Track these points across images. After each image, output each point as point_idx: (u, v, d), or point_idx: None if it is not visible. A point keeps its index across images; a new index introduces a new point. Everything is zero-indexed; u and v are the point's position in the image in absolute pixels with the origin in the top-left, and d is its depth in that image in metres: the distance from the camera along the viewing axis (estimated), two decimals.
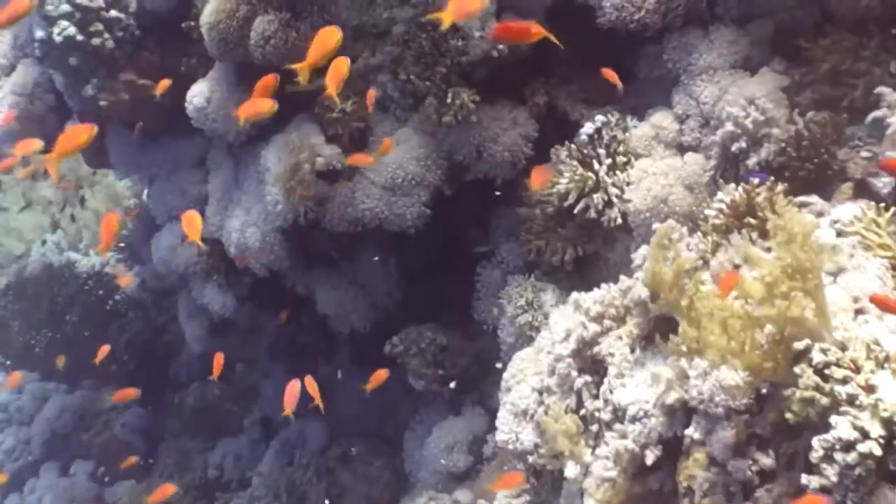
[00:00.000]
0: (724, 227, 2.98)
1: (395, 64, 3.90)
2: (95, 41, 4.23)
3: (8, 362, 6.20)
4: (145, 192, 5.16)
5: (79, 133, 3.11)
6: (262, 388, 5.58)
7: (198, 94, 4.07)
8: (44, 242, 7.42)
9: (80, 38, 4.18)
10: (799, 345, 2.24)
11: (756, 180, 2.92)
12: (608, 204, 3.56)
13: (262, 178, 4.07)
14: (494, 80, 3.82)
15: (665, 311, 2.72)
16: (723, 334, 2.25)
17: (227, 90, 4.05)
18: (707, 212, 3.07)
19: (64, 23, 4.18)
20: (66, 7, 4.18)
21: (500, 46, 3.69)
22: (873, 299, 2.31)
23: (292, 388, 3.48)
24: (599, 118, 3.66)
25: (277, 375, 5.18)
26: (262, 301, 4.56)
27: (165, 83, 4.12)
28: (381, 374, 3.89)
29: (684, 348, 2.38)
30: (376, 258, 4.25)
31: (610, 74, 3.47)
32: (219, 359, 3.99)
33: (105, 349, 4.75)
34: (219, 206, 4.38)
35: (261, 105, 3.37)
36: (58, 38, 4.18)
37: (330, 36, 2.93)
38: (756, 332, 2.24)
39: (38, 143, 3.63)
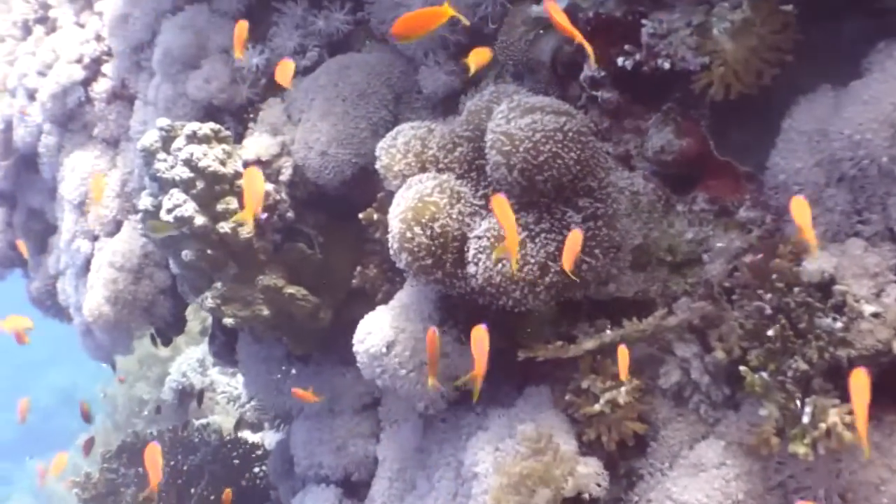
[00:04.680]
0: None
1: (708, 327, 2.59)
2: (224, 228, 3.06)
3: None
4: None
5: None
6: None
7: (375, 333, 2.81)
8: None
9: (200, 221, 3.02)
10: None
11: None
12: None
13: (464, 479, 2.82)
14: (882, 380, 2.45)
15: None
16: None
17: (423, 332, 2.81)
18: None
19: (179, 195, 3.01)
20: (183, 171, 3.01)
21: None
22: None
23: None
24: None
25: None
26: None
27: None
28: None
29: None
30: None
31: None
32: None
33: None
34: (391, 487, 3.09)
35: None
36: (168, 218, 3.03)
37: None
38: None
39: None
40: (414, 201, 2.60)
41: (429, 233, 2.58)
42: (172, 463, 5.47)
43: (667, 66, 2.59)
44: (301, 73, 3.32)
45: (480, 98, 2.73)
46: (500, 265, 2.47)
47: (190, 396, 7.55)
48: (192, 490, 5.42)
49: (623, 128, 2.82)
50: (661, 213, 2.72)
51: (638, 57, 2.66)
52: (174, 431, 5.85)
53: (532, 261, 2.49)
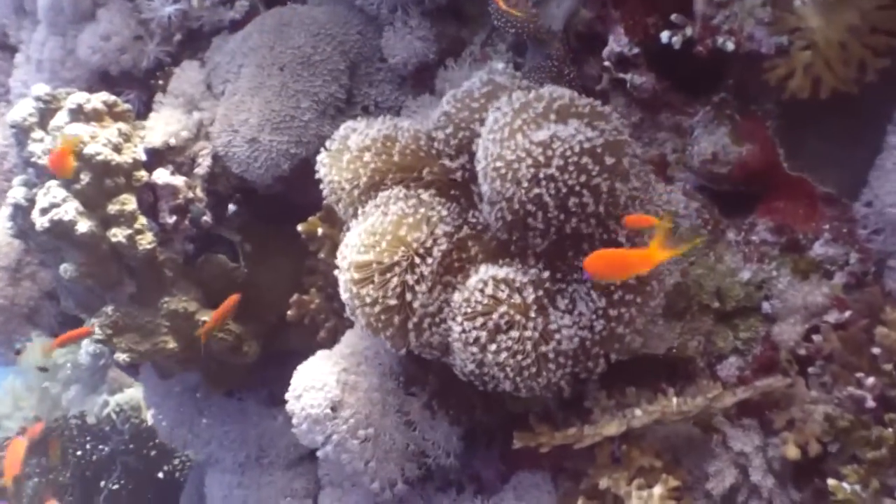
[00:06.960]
0: None
1: (772, 408, 1.87)
2: (117, 235, 2.23)
3: None
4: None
5: None
6: None
7: (316, 388, 2.05)
8: None
9: (84, 227, 2.19)
10: None
11: None
12: None
13: None
14: None
15: None
16: None
17: (382, 393, 2.05)
18: None
19: (57, 191, 2.19)
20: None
21: None
22: None
23: None
24: None
25: None
26: None
27: None
28: None
29: None
30: None
31: None
32: None
33: None
34: None
35: None
36: (42, 223, 2.19)
37: None
38: None
39: None
40: (369, 240, 1.79)
41: (387, 288, 1.78)
42: (80, 453, 4.94)
43: (730, 46, 1.82)
44: (228, 28, 2.47)
45: (469, 91, 1.89)
46: (497, 346, 1.68)
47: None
48: (102, 483, 4.89)
49: (658, 124, 2.09)
50: (708, 242, 1.96)
51: (689, 32, 1.87)
52: (82, 418, 5.22)
53: (532, 343, 1.70)
